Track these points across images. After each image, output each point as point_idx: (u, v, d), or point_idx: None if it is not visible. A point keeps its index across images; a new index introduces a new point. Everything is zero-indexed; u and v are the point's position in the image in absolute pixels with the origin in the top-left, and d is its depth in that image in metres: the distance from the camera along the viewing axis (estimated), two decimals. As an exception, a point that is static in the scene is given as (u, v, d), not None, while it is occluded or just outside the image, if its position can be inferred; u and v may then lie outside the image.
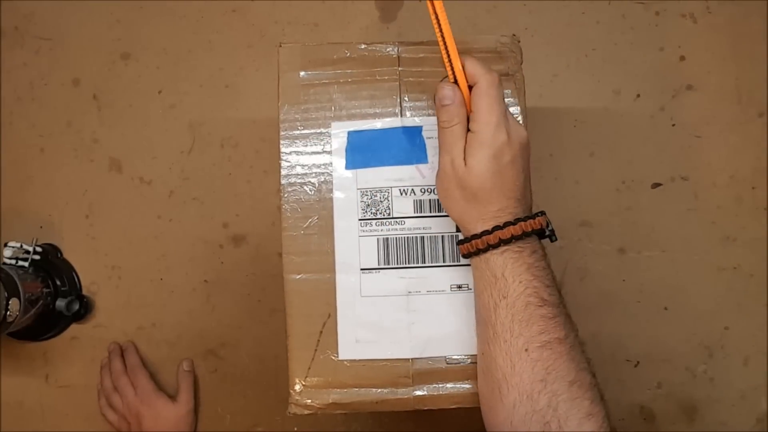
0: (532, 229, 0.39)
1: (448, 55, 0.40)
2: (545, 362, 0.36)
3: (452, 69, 0.40)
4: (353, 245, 0.46)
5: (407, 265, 0.46)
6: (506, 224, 0.38)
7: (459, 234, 0.45)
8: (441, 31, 0.39)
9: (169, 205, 0.67)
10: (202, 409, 0.65)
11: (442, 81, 0.40)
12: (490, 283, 0.39)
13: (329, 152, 0.47)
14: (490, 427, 0.39)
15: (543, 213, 0.40)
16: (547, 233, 0.40)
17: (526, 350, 0.37)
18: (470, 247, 0.40)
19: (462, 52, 0.47)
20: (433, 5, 0.39)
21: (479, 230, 0.39)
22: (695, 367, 0.63)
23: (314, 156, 0.47)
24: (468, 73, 0.40)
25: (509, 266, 0.39)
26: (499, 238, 0.38)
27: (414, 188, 0.46)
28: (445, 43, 0.40)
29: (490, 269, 0.39)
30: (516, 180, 0.39)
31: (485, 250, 0.39)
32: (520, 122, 0.47)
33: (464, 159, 0.39)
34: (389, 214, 0.46)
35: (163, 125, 0.68)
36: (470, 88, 0.40)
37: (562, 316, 0.38)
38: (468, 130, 0.39)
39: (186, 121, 0.67)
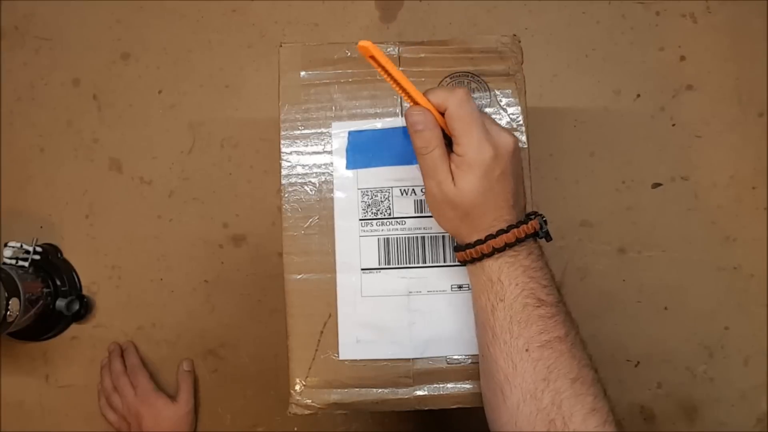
0: (525, 234, 0.39)
1: (409, 95, 0.39)
2: (546, 361, 0.36)
3: (415, 102, 0.39)
4: (354, 245, 0.46)
5: (408, 265, 0.46)
6: (499, 233, 0.38)
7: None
8: (392, 77, 0.38)
9: (169, 205, 0.67)
10: (202, 409, 0.65)
11: (410, 107, 0.39)
12: (486, 287, 0.39)
13: (330, 152, 0.47)
14: (494, 428, 0.39)
15: (536, 214, 0.40)
16: (542, 235, 0.40)
17: (527, 350, 0.37)
18: (465, 255, 0.40)
19: (462, 52, 0.47)
20: (375, 59, 0.37)
21: (473, 240, 0.39)
22: (695, 367, 0.63)
23: (315, 156, 0.47)
24: (435, 103, 0.38)
25: (505, 270, 0.39)
26: (493, 247, 0.38)
27: (415, 188, 0.46)
28: (402, 87, 0.38)
29: (485, 274, 0.39)
30: (508, 189, 0.39)
31: (480, 258, 0.39)
32: (522, 123, 0.47)
33: (453, 180, 0.38)
34: (390, 214, 0.46)
35: (163, 125, 0.68)
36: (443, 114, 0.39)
37: (561, 314, 0.38)
38: (451, 151, 0.39)
39: (186, 121, 0.67)
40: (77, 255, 0.67)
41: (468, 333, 0.45)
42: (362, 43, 0.36)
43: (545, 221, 0.41)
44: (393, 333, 0.46)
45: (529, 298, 0.38)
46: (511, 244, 0.38)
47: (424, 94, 0.39)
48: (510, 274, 0.38)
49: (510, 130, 0.41)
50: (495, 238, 0.38)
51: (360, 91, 0.47)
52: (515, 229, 0.38)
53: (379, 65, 0.37)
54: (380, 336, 0.45)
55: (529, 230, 0.39)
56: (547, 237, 0.41)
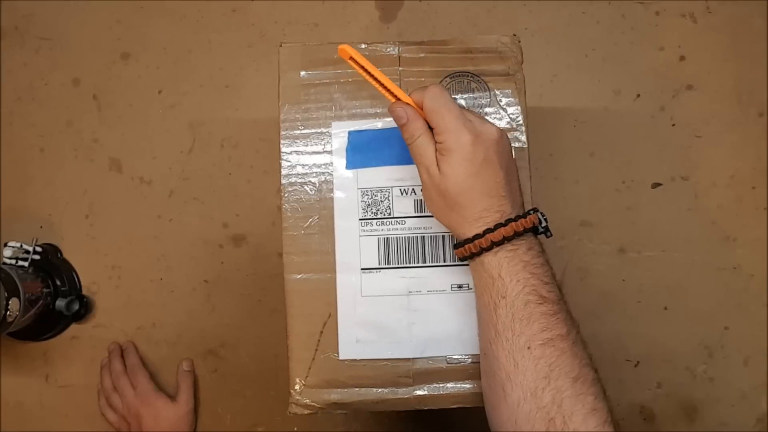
0: (523, 229, 0.39)
1: (392, 93, 0.40)
2: (548, 359, 0.36)
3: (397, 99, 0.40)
4: (354, 245, 0.46)
5: (408, 265, 0.46)
6: (497, 226, 0.38)
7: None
8: (374, 77, 0.39)
9: (169, 205, 0.67)
10: (202, 409, 0.65)
11: (391, 103, 0.41)
12: (488, 285, 0.39)
13: (330, 152, 0.47)
14: (494, 426, 0.39)
15: (535, 210, 0.40)
16: (541, 230, 0.40)
17: (529, 348, 0.37)
18: (464, 251, 0.40)
19: (462, 52, 0.47)
20: (355, 61, 0.39)
21: (470, 234, 0.39)
22: (695, 367, 0.63)
23: (315, 156, 0.47)
24: (414, 102, 0.40)
25: (505, 266, 0.39)
26: (491, 241, 0.38)
27: (414, 188, 0.46)
28: (384, 85, 0.40)
29: (486, 271, 0.39)
30: (496, 177, 0.39)
31: (479, 253, 0.39)
32: (522, 123, 0.47)
33: (438, 167, 0.39)
34: (390, 214, 0.46)
35: (163, 125, 0.68)
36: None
37: (563, 312, 0.38)
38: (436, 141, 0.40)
39: (186, 121, 0.67)
40: (77, 255, 0.67)
41: (468, 333, 0.45)
42: (341, 46, 0.38)
43: (545, 218, 0.41)
44: (393, 333, 0.46)
45: (530, 294, 0.38)
46: (510, 237, 0.38)
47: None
48: (510, 270, 0.38)
49: (494, 124, 0.41)
50: (493, 231, 0.38)
51: (360, 91, 0.47)
52: (513, 223, 0.38)
53: (360, 66, 0.39)
54: (380, 336, 0.45)
55: (527, 224, 0.39)
56: (547, 232, 0.41)
